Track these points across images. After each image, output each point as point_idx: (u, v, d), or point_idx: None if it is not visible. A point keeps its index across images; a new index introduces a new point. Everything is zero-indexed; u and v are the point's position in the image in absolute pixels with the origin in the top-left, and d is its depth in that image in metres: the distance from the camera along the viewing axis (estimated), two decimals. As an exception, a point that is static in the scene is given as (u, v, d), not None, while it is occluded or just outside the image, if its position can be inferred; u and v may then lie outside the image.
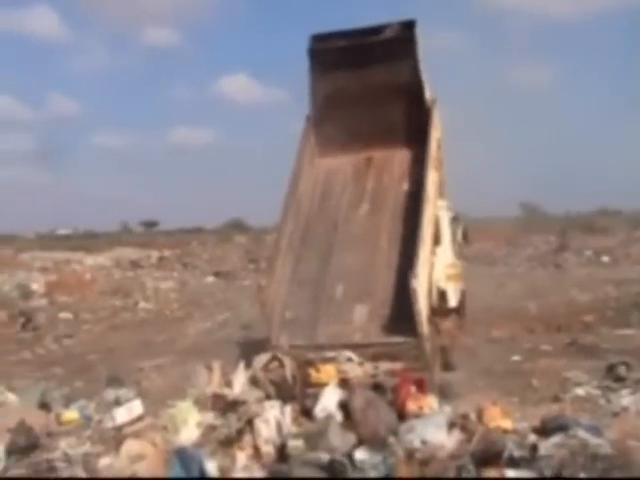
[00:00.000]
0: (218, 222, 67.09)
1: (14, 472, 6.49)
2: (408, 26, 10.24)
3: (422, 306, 8.32)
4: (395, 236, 9.62)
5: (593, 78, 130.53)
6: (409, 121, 10.49)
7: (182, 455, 5.60)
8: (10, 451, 6.83)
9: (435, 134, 10.32)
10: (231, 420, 6.78)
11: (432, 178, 9.76)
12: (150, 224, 74.35)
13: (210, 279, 28.03)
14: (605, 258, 26.82)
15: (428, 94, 10.54)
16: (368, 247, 9.71)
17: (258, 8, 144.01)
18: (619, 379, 8.59)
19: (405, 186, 10.31)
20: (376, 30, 10.43)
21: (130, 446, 6.03)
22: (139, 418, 7.65)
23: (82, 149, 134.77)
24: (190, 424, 6.81)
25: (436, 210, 10.00)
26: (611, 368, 8.94)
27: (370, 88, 10.46)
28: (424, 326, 8.30)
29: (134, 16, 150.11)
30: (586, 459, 5.56)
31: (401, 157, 10.64)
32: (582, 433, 5.96)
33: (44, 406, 8.48)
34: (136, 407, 7.95)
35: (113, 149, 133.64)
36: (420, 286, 8.32)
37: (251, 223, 61.21)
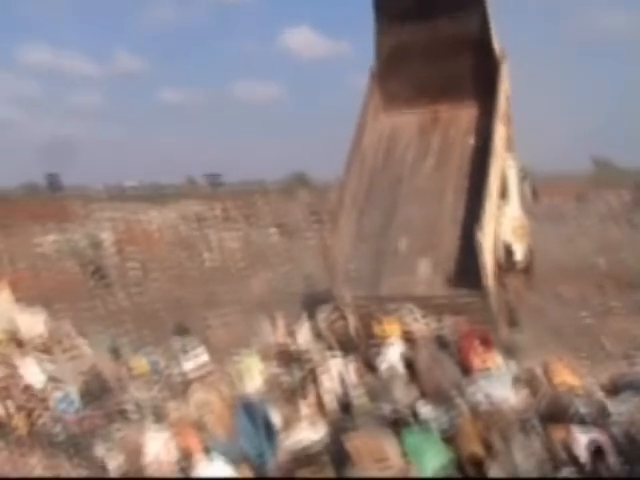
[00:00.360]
0: (281, 176, 67.38)
1: (86, 414, 6.80)
2: None
3: (487, 260, 8.17)
4: (461, 190, 9.43)
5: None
6: (477, 75, 10.15)
7: (247, 404, 5.73)
8: (83, 395, 7.17)
9: (504, 88, 9.95)
10: (294, 371, 6.88)
11: (500, 133, 9.50)
12: (214, 177, 75.42)
13: (273, 232, 28.28)
14: (682, 214, 25.59)
15: (497, 46, 10.13)
16: (433, 201, 9.55)
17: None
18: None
19: (472, 140, 10.04)
20: None
21: (197, 394, 6.22)
22: (205, 366, 7.88)
23: (148, 104, 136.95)
24: (254, 374, 6.95)
25: (503, 165, 9.73)
26: (684, 327, 8.61)
27: (437, 41, 10.12)
28: (489, 280, 8.17)
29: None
30: (657, 419, 5.41)
31: (468, 112, 10.33)
32: (654, 392, 5.78)
33: (114, 353, 8.82)
34: (202, 355, 8.19)
35: (178, 104, 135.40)
36: (486, 239, 8.16)
37: (314, 177, 61.20)
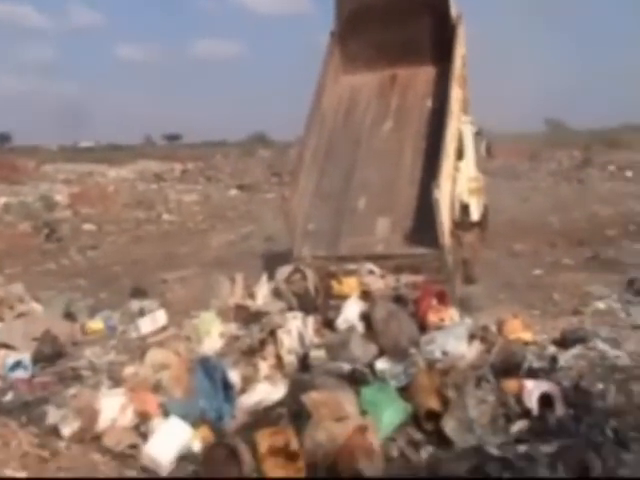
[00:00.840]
0: (241, 136, 66.73)
1: (39, 379, 6.72)
2: None
3: (444, 218, 8.28)
4: (418, 151, 9.52)
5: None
6: (434, 38, 10.27)
7: (205, 364, 5.71)
8: (36, 359, 7.06)
9: (460, 51, 10.10)
10: (254, 330, 6.89)
11: (456, 95, 9.62)
12: (173, 137, 74.20)
13: (233, 192, 28.05)
14: (629, 173, 26.31)
15: (453, 10, 10.27)
16: (391, 162, 9.62)
17: None
18: (639, 293, 8.56)
19: (429, 103, 10.14)
20: None
21: (154, 355, 6.17)
22: (163, 328, 7.86)
23: (104, 61, 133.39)
24: (213, 334, 6.94)
25: (460, 126, 9.90)
26: (632, 282, 8.92)
27: (396, 4, 10.22)
28: (446, 237, 8.30)
29: None
30: (604, 370, 5.62)
31: (426, 74, 10.44)
32: (601, 345, 6.00)
33: (69, 316, 8.71)
34: (160, 317, 8.15)
35: (135, 61, 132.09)
36: (442, 198, 8.25)
37: (274, 137, 60.82)
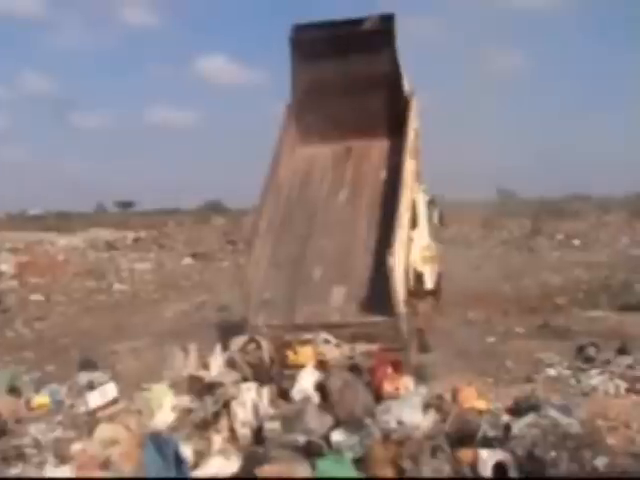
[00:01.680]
0: (196, 203, 66.82)
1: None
2: (387, 19, 10.42)
3: (399, 286, 8.40)
4: (373, 222, 9.72)
5: (563, 65, 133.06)
6: (388, 111, 10.65)
7: (157, 439, 5.55)
8: (-24, 438, 6.71)
9: (413, 124, 10.48)
10: (207, 403, 6.74)
11: (410, 167, 9.92)
12: (126, 205, 73.68)
13: (187, 260, 27.83)
14: (576, 242, 27.29)
15: (406, 85, 10.71)
16: (346, 232, 9.79)
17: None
18: (588, 360, 8.80)
19: (383, 174, 10.42)
20: (356, 22, 10.63)
21: (103, 430, 5.97)
22: (113, 402, 7.58)
23: (57, 128, 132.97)
24: (165, 407, 6.76)
25: (413, 196, 10.15)
26: (581, 349, 9.16)
27: (350, 78, 10.62)
28: (401, 306, 8.38)
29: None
30: (557, 438, 5.66)
31: (380, 147, 10.76)
32: (553, 413, 6.05)
33: (13, 391, 8.32)
34: (110, 391, 7.87)
35: (89, 128, 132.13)
36: (397, 266, 8.38)
37: (229, 204, 61.16)
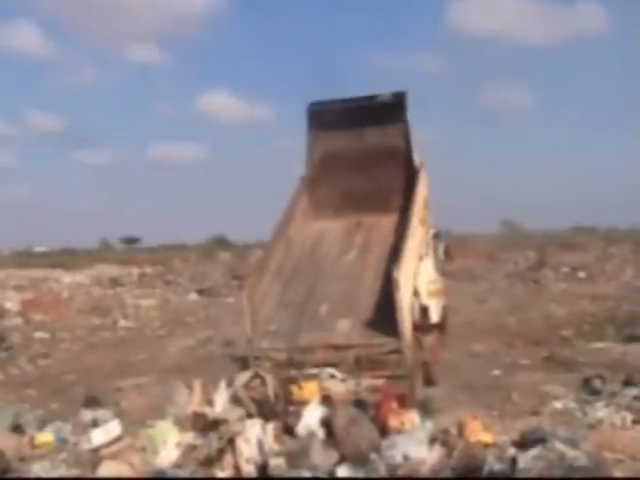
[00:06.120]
0: (201, 239, 67.03)
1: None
2: (399, 94, 10.96)
3: (405, 306, 8.38)
4: (380, 272, 9.71)
5: (567, 101, 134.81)
6: (399, 184, 10.88)
7: (160, 477, 5.53)
8: (-20, 478, 6.66)
9: (422, 193, 10.64)
10: (212, 439, 6.71)
11: (419, 234, 10.04)
12: (131, 241, 73.86)
13: (192, 296, 27.82)
14: (581, 274, 27.20)
15: (417, 157, 10.97)
16: (354, 280, 9.84)
17: (241, 26, 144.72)
18: (594, 392, 8.73)
19: (392, 239, 10.40)
20: (370, 97, 11.15)
21: (107, 468, 5.95)
22: (117, 439, 7.54)
23: (63, 166, 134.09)
24: (170, 444, 6.73)
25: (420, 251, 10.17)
26: (587, 381, 9.10)
27: (363, 151, 11.01)
28: (407, 331, 8.35)
29: (117, 33, 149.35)
30: (563, 471, 5.62)
31: (390, 221, 10.81)
32: (559, 445, 6.01)
33: (17, 429, 8.28)
34: (114, 428, 7.84)
35: (94, 165, 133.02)
36: (403, 301, 8.36)
37: (234, 239, 61.42)
